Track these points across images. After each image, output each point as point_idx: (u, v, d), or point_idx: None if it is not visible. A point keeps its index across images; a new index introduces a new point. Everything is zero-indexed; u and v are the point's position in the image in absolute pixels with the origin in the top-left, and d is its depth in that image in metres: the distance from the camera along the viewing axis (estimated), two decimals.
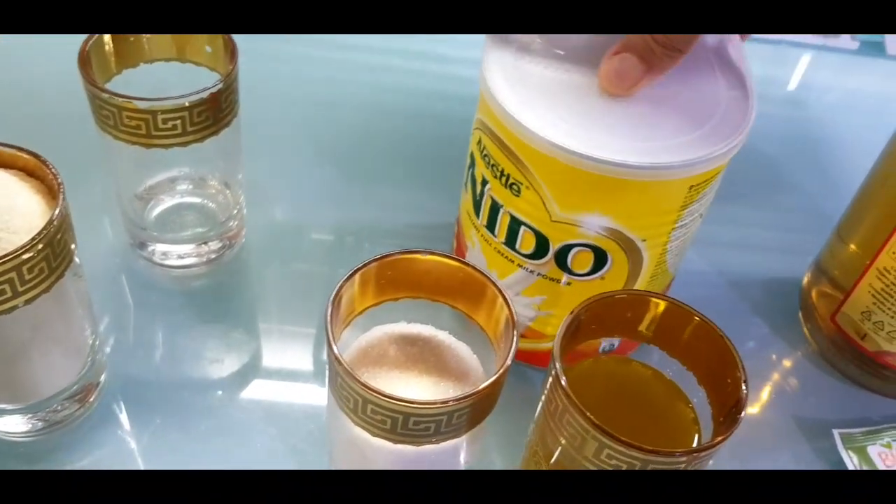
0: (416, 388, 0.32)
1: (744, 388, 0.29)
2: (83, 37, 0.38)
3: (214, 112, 0.38)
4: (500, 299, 0.31)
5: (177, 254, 0.45)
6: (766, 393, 0.44)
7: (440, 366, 0.33)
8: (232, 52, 0.39)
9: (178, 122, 0.37)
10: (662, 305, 0.32)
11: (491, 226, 0.37)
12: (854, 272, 0.42)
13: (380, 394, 0.28)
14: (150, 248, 0.44)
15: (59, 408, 0.38)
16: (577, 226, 0.34)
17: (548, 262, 0.36)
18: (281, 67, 0.59)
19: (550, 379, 0.30)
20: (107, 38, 0.39)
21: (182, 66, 0.42)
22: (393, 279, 0.33)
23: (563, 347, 0.31)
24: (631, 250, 0.35)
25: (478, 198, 0.37)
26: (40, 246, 0.31)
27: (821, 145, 0.60)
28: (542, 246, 0.35)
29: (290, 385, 0.42)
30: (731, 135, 0.33)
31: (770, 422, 0.43)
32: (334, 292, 0.31)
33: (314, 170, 0.52)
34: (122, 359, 0.41)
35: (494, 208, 0.36)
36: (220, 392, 0.41)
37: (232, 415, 0.40)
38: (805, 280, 0.47)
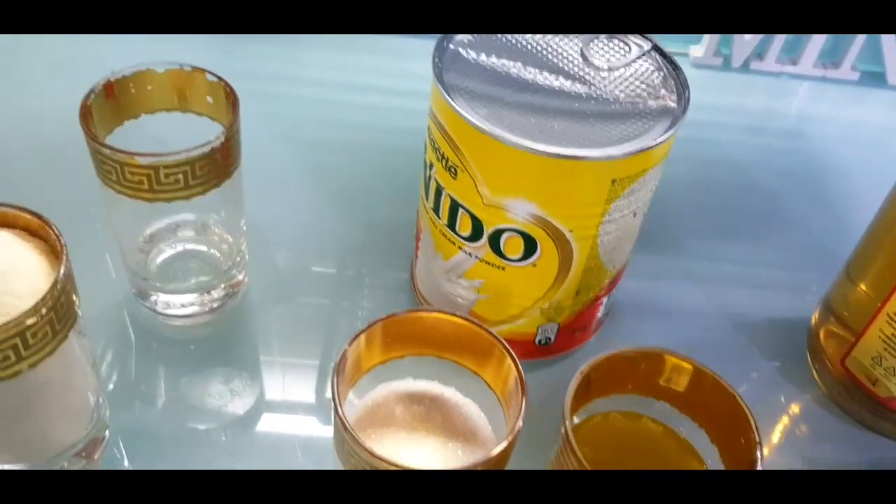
0: (424, 449, 0.32)
1: (758, 452, 0.28)
2: (84, 85, 0.38)
3: (217, 165, 0.38)
4: (508, 359, 0.31)
5: (179, 303, 0.44)
6: (775, 437, 0.44)
7: (448, 425, 0.33)
8: (233, 102, 0.39)
9: (181, 176, 0.37)
10: (673, 362, 0.32)
11: (436, 208, 0.39)
12: (864, 314, 0.41)
13: (388, 462, 0.28)
14: (153, 299, 0.44)
15: (65, 464, 0.37)
16: (505, 210, 0.36)
17: (483, 246, 0.38)
18: (279, 107, 0.59)
19: (561, 437, 0.30)
20: (106, 90, 0.39)
21: (184, 116, 0.42)
22: (398, 337, 0.33)
23: (573, 406, 0.30)
24: (559, 240, 0.36)
25: (427, 181, 0.39)
26: (44, 311, 0.30)
27: (823, 178, 0.60)
28: (477, 229, 0.37)
29: (295, 432, 0.42)
30: (653, 134, 0.35)
31: (779, 467, 0.42)
32: (339, 356, 0.30)
33: (315, 210, 0.52)
34: (125, 412, 0.41)
35: (438, 191, 0.38)
36: (224, 439, 0.40)
37: (237, 462, 0.39)
38: (813, 320, 0.47)
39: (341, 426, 0.28)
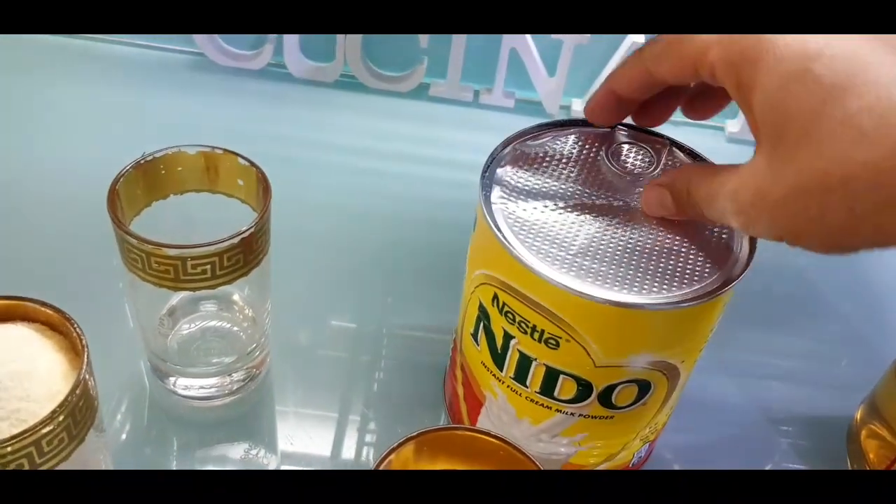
0: None
1: None
2: (113, 153, 0.37)
3: (245, 254, 0.37)
4: None
5: (199, 385, 0.43)
6: None
7: None
8: (265, 189, 0.38)
9: (208, 267, 0.36)
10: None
11: (521, 377, 0.35)
12: None
13: None
14: (171, 379, 0.43)
15: None
16: (623, 367, 0.33)
17: (590, 404, 0.35)
18: (300, 177, 0.58)
19: None
20: (136, 172, 0.38)
21: (213, 196, 0.41)
22: (430, 452, 0.31)
23: None
24: (672, 374, 0.35)
25: (500, 351, 0.36)
26: (61, 417, 0.29)
27: (860, 265, 0.58)
28: (584, 390, 0.34)
29: None
30: (742, 252, 0.34)
31: None
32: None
33: (337, 284, 0.51)
34: None
35: (525, 361, 0.35)
36: None
37: None
38: (854, 420, 0.45)
39: None
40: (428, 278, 0.52)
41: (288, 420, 0.44)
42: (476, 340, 0.37)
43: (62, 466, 0.30)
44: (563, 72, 0.61)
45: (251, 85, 0.63)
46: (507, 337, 0.35)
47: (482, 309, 0.36)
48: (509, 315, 0.34)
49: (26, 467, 0.29)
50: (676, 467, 0.44)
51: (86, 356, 0.31)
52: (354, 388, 0.45)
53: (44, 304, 0.32)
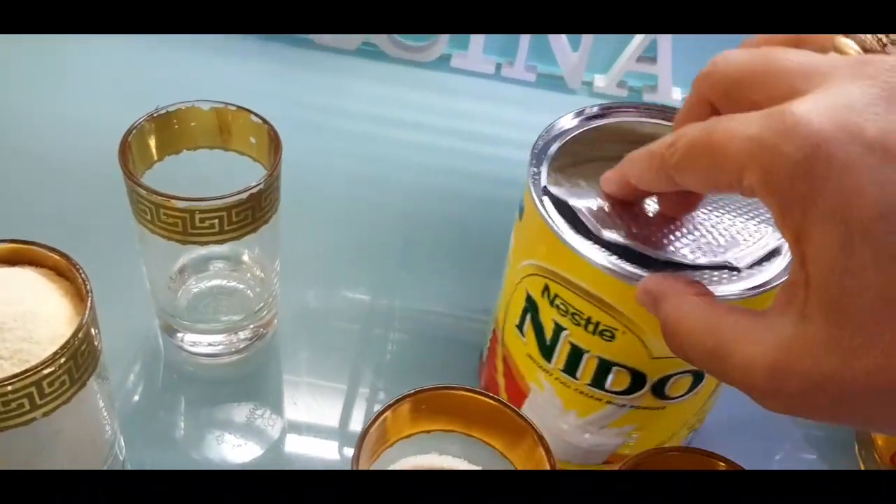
0: None
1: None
2: (125, 110, 0.37)
3: (254, 211, 0.37)
4: (541, 449, 0.29)
5: (207, 342, 0.43)
6: None
7: None
8: (276, 147, 0.38)
9: (216, 221, 0.36)
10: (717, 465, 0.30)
11: (571, 369, 0.34)
12: None
13: None
14: (180, 335, 0.43)
15: None
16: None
17: (643, 395, 0.34)
18: (321, 139, 0.58)
19: None
20: (149, 126, 0.38)
21: (226, 154, 0.41)
22: (427, 412, 0.31)
23: None
24: None
25: (549, 343, 0.35)
26: (62, 360, 0.29)
27: None
28: (637, 382, 0.33)
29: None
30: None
31: None
32: (362, 433, 0.29)
33: (350, 252, 0.51)
34: (144, 450, 0.40)
35: (576, 353, 0.34)
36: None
37: None
38: None
39: None
40: (444, 251, 0.52)
41: (294, 383, 0.44)
42: (521, 332, 0.36)
43: (63, 410, 0.31)
44: (586, 47, 0.60)
45: (273, 50, 0.63)
46: (558, 329, 0.34)
47: (530, 300, 0.35)
48: (561, 307, 0.33)
49: (27, 407, 0.29)
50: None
51: (90, 302, 0.31)
52: (364, 358, 0.45)
53: (52, 249, 0.32)
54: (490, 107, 0.62)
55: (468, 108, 0.62)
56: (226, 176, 0.39)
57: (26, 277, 0.32)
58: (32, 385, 0.29)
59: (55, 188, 0.51)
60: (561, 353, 0.34)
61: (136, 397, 0.42)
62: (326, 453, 0.41)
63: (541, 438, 0.29)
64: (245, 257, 0.45)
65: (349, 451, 0.40)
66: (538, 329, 0.35)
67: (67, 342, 0.29)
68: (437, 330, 0.47)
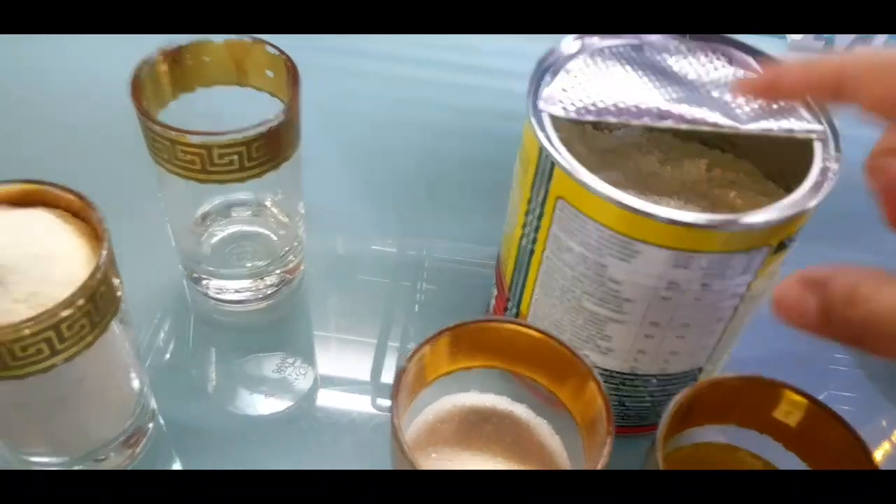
0: None
1: None
2: (138, 52, 0.35)
3: (274, 145, 0.35)
4: (592, 383, 0.27)
5: (233, 288, 0.42)
6: None
7: (518, 450, 0.30)
8: (294, 78, 0.36)
9: (235, 157, 0.34)
10: (783, 393, 0.28)
11: None
12: None
13: None
14: (205, 283, 0.41)
15: (106, 457, 0.35)
16: None
17: None
18: (343, 83, 0.56)
19: (650, 466, 0.26)
20: (161, 61, 0.36)
21: (242, 90, 0.39)
22: (468, 347, 0.29)
23: (666, 435, 0.27)
24: None
25: None
26: (81, 301, 0.28)
27: None
28: None
29: (347, 426, 0.39)
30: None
31: None
32: (399, 371, 0.27)
33: (375, 195, 0.49)
34: (172, 401, 0.38)
35: None
36: (275, 430, 0.38)
37: (287, 455, 0.37)
38: None
39: (399, 451, 0.25)
40: (470, 191, 0.49)
41: (322, 329, 0.43)
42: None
43: (85, 356, 0.29)
44: None
45: None
46: None
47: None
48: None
49: (46, 352, 0.28)
50: None
51: (107, 242, 0.29)
52: (395, 303, 0.44)
53: (65, 188, 0.31)
54: (512, 41, 0.59)
55: (489, 43, 0.59)
56: (244, 114, 0.37)
57: (40, 218, 0.30)
58: (51, 328, 0.27)
59: (73, 140, 0.49)
60: None
61: (163, 347, 0.41)
62: (359, 404, 0.40)
63: (591, 372, 0.28)
64: (268, 202, 0.43)
65: (383, 402, 0.39)
66: None
67: (85, 283, 0.28)
68: (466, 268, 0.45)
